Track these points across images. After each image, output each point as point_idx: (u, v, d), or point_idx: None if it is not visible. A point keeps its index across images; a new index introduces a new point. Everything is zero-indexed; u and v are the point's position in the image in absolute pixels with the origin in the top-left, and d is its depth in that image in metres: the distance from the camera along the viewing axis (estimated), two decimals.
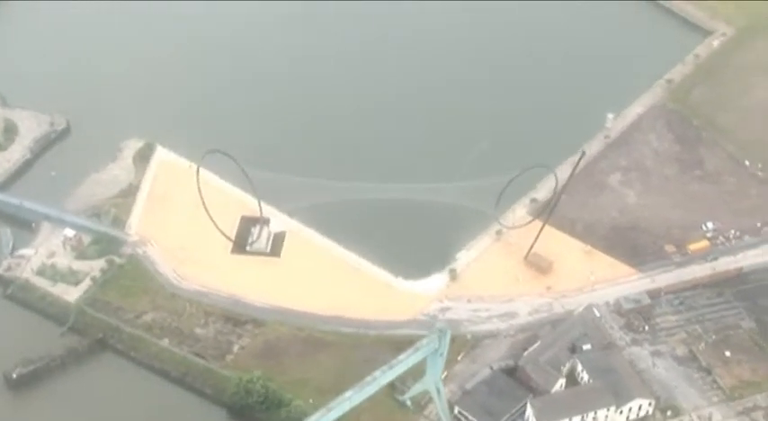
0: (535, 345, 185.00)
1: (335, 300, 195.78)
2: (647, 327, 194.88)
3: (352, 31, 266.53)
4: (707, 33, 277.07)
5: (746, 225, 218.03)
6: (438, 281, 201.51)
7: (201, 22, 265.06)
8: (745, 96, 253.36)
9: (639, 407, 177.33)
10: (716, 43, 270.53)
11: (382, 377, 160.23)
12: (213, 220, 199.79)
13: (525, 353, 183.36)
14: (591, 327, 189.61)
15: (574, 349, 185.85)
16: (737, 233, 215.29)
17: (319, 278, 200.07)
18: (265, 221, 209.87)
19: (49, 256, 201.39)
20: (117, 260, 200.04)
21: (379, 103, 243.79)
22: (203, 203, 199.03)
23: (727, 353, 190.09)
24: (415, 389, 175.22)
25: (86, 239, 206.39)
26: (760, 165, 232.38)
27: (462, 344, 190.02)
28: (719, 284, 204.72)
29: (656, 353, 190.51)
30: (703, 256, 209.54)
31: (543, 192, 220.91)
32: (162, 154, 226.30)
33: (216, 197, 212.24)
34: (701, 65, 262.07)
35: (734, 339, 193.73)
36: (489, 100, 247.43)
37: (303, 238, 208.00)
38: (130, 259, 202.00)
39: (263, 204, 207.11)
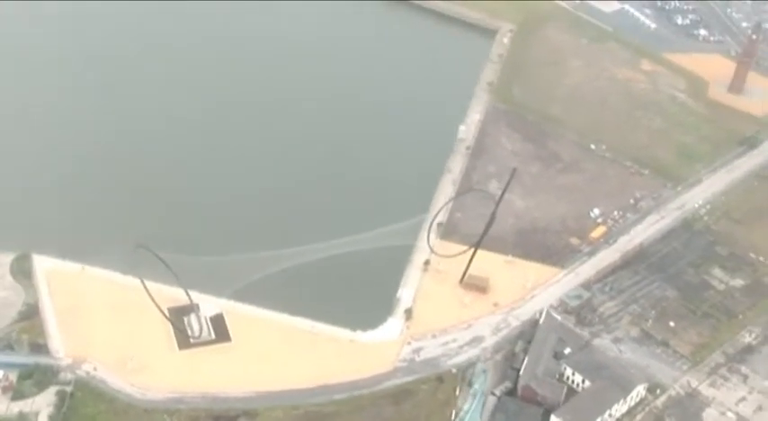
0: (525, 362, 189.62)
1: (311, 369, 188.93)
2: (596, 319, 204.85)
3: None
4: (491, 32, 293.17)
5: (622, 204, 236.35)
6: (396, 324, 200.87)
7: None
8: (558, 85, 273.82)
9: (638, 394, 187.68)
10: (506, 40, 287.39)
11: None
12: (166, 315, 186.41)
13: (521, 372, 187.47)
14: (561, 332, 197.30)
15: (557, 356, 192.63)
16: (620, 212, 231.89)
17: (282, 352, 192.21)
18: (196, 308, 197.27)
19: None
20: (66, 389, 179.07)
21: (252, 167, 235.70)
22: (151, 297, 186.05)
23: (672, 324, 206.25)
24: None
25: (11, 376, 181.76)
26: (604, 147, 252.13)
27: (453, 380, 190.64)
28: (630, 263, 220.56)
29: (616, 340, 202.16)
30: (605, 241, 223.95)
31: (439, 214, 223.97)
32: (42, 263, 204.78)
33: (127, 295, 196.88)
34: (507, 63, 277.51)
35: (669, 310, 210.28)
36: (343, 146, 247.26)
37: (243, 316, 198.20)
38: (78, 384, 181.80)
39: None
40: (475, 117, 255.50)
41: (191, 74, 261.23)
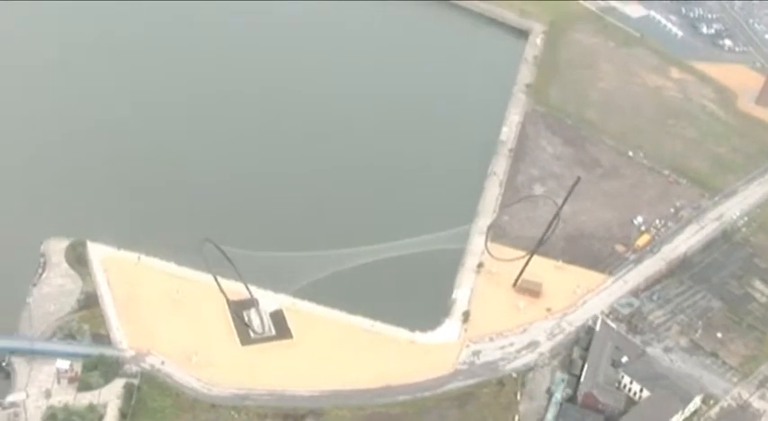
0: (585, 369, 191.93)
1: (373, 369, 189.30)
2: (647, 328, 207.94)
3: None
4: (522, 33, 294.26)
5: (663, 212, 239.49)
6: (454, 326, 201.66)
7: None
8: (592, 89, 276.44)
9: (694, 404, 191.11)
10: (539, 41, 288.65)
11: None
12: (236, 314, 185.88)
13: (582, 379, 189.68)
14: (617, 340, 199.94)
15: (615, 364, 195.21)
16: (662, 221, 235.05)
17: (343, 350, 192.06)
18: (256, 303, 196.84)
19: (47, 396, 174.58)
20: (133, 382, 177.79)
21: (301, 168, 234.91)
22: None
23: (719, 335, 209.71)
24: None
25: (76, 366, 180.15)
26: (642, 154, 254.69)
27: (513, 384, 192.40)
28: (675, 273, 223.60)
29: (667, 350, 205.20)
30: (650, 249, 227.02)
31: (486, 217, 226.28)
32: (98, 251, 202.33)
33: (184, 287, 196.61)
34: (541, 65, 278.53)
35: (715, 321, 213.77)
36: (386, 147, 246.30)
37: (302, 313, 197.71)
38: (143, 377, 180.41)
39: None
40: (514, 119, 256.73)
41: (235, 72, 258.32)
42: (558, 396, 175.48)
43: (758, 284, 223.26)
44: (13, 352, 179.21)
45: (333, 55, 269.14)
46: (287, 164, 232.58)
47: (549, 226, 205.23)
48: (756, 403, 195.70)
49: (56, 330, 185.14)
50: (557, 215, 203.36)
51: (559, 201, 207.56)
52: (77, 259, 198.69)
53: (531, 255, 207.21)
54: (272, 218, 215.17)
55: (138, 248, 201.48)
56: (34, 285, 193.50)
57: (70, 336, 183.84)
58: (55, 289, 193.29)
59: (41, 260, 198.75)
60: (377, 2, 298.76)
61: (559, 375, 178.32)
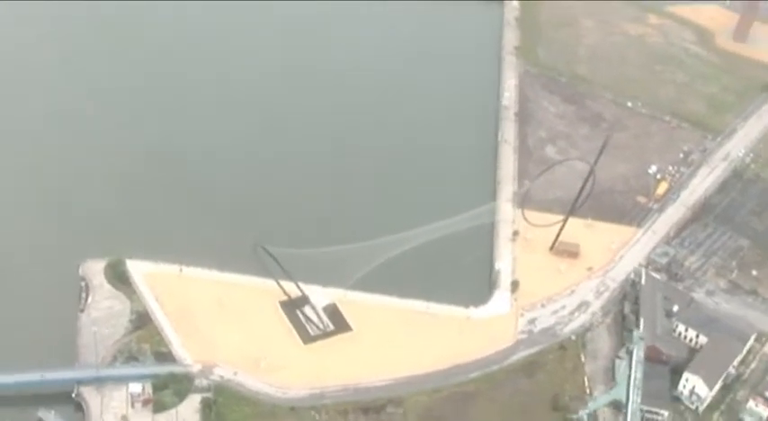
0: (642, 323, 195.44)
1: (438, 350, 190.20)
2: (685, 274, 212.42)
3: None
4: None
5: (673, 158, 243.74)
6: (504, 297, 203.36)
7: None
8: (578, 45, 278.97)
9: (749, 344, 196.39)
10: (515, 3, 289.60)
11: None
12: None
13: (639, 332, 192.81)
14: (665, 290, 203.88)
15: (668, 314, 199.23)
16: (675, 167, 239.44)
17: (405, 335, 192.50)
18: (307, 300, 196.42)
19: None
20: (209, 396, 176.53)
21: (306, 158, 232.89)
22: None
23: (754, 273, 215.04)
24: (602, 400, 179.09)
25: (148, 388, 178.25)
26: (640, 104, 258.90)
27: (575, 347, 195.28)
28: (699, 217, 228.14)
29: (709, 293, 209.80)
30: (669, 197, 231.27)
31: (508, 185, 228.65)
32: (138, 267, 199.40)
33: (232, 293, 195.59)
34: (524, 26, 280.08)
35: (747, 259, 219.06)
36: (394, 128, 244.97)
37: (355, 304, 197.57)
38: (216, 390, 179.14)
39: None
40: (511, 82, 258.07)
41: (231, 74, 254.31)
42: (640, 354, 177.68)
43: None
44: (80, 382, 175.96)
45: (318, 46, 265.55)
46: (299, 159, 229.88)
47: (584, 187, 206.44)
48: None
49: (116, 354, 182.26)
50: (590, 174, 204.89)
51: (588, 162, 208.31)
52: (119, 278, 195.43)
53: (567, 217, 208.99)
54: (298, 214, 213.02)
55: (177, 260, 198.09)
56: (82, 310, 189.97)
57: (132, 358, 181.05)
58: (104, 312, 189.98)
59: (83, 284, 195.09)
60: None
61: (637, 333, 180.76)
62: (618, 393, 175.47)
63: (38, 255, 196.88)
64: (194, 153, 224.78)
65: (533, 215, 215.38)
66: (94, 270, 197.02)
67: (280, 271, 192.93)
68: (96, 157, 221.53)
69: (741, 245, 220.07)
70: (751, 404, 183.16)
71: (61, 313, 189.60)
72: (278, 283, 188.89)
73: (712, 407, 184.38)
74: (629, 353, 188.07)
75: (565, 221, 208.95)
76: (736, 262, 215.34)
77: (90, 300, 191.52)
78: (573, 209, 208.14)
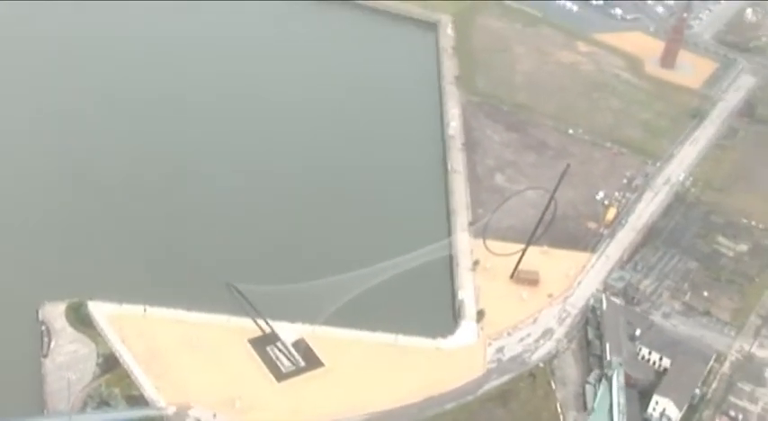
0: (608, 348, 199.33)
1: (412, 383, 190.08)
2: (641, 298, 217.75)
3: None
4: (430, 25, 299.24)
5: (618, 184, 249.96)
6: (470, 327, 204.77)
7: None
8: (514, 73, 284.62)
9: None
10: (449, 31, 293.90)
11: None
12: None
13: (608, 359, 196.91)
14: (626, 315, 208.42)
15: (632, 338, 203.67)
16: (620, 193, 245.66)
17: (377, 369, 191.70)
18: (276, 337, 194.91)
19: None
20: None
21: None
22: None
23: (705, 294, 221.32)
24: None
25: None
26: (581, 131, 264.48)
27: (544, 375, 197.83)
28: (648, 241, 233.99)
29: (665, 316, 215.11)
30: (619, 222, 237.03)
31: (462, 216, 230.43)
32: (100, 309, 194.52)
33: (199, 332, 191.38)
34: (461, 55, 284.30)
35: (697, 280, 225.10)
36: (339, 162, 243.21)
37: (324, 339, 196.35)
38: None
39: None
40: (455, 112, 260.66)
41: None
42: (621, 379, 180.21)
43: (722, 240, 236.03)
44: None
45: (254, 77, 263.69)
46: (251, 195, 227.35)
47: (543, 214, 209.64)
48: (759, 353, 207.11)
49: (86, 400, 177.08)
50: (550, 202, 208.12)
51: (548, 190, 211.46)
52: (81, 321, 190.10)
53: (527, 246, 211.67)
54: (259, 249, 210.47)
55: (140, 300, 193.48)
56: (45, 356, 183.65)
57: (104, 403, 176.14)
58: (69, 356, 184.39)
59: (43, 328, 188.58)
60: (273, 2, 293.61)
61: (615, 359, 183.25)
62: (597, 419, 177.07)
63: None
64: (151, 195, 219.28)
65: (492, 244, 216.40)
66: (55, 313, 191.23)
67: (247, 308, 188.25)
68: (47, 191, 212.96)
69: (690, 267, 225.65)
70: None
71: (21, 359, 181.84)
72: (254, 321, 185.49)
73: None
74: (599, 379, 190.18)
75: (525, 249, 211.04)
76: (688, 284, 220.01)
77: (53, 344, 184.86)
78: (533, 237, 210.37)
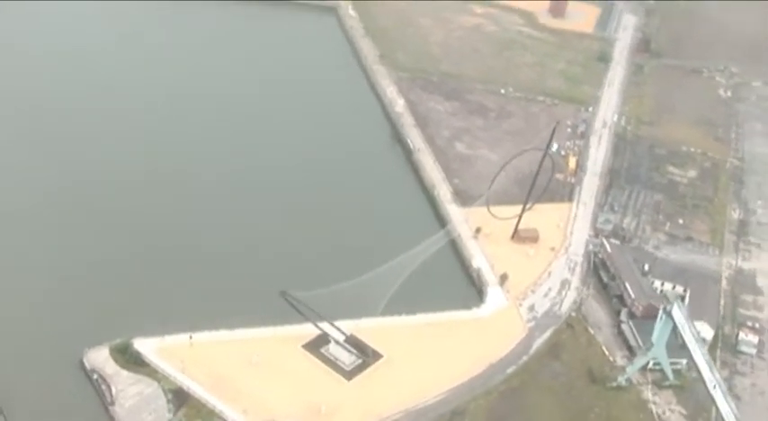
0: (629, 287, 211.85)
1: (470, 355, 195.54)
2: (629, 235, 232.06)
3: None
4: (327, 9, 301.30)
5: (564, 134, 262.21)
6: (497, 292, 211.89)
7: None
8: (429, 44, 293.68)
9: None
10: (351, 12, 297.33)
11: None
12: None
13: (633, 295, 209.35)
14: (632, 253, 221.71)
15: (643, 273, 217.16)
16: (571, 141, 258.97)
17: (434, 349, 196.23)
18: (327, 338, 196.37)
19: None
20: None
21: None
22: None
23: (681, 221, 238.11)
24: (640, 361, 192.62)
25: None
26: (511, 89, 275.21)
27: (579, 323, 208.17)
28: (613, 182, 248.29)
29: (656, 248, 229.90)
30: (580, 169, 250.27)
31: (442, 187, 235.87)
32: (146, 346, 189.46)
33: (252, 348, 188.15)
34: (373, 35, 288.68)
35: (669, 210, 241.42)
36: (303, 172, 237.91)
37: (370, 331, 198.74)
38: None
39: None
40: (392, 89, 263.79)
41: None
42: (684, 311, 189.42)
43: (672, 169, 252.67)
44: None
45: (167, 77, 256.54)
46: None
47: (537, 174, 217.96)
48: (745, 265, 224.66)
49: None
50: (543, 160, 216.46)
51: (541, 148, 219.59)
52: (132, 361, 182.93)
53: (525, 205, 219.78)
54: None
55: (180, 329, 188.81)
56: (112, 404, 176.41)
57: None
58: (136, 399, 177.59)
59: (94, 376, 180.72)
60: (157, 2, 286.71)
61: (673, 292, 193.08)
62: (657, 353, 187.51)
63: (31, 350, 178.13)
64: (150, 225, 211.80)
65: (483, 210, 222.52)
66: (100, 358, 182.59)
67: (306, 313, 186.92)
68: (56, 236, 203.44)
69: (657, 199, 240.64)
70: (742, 335, 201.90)
71: (85, 413, 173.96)
72: (315, 325, 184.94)
73: (712, 345, 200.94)
74: (632, 316, 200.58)
75: (523, 210, 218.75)
76: (662, 215, 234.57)
77: (114, 389, 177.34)
78: (529, 196, 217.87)
